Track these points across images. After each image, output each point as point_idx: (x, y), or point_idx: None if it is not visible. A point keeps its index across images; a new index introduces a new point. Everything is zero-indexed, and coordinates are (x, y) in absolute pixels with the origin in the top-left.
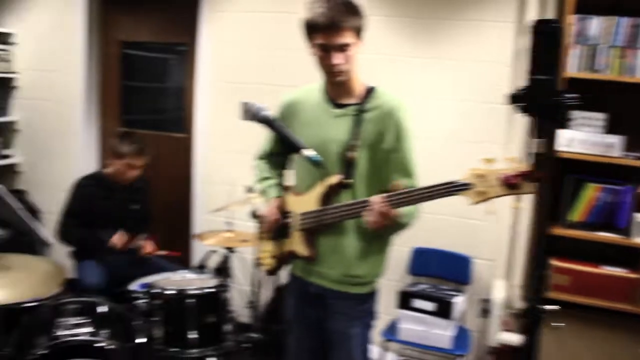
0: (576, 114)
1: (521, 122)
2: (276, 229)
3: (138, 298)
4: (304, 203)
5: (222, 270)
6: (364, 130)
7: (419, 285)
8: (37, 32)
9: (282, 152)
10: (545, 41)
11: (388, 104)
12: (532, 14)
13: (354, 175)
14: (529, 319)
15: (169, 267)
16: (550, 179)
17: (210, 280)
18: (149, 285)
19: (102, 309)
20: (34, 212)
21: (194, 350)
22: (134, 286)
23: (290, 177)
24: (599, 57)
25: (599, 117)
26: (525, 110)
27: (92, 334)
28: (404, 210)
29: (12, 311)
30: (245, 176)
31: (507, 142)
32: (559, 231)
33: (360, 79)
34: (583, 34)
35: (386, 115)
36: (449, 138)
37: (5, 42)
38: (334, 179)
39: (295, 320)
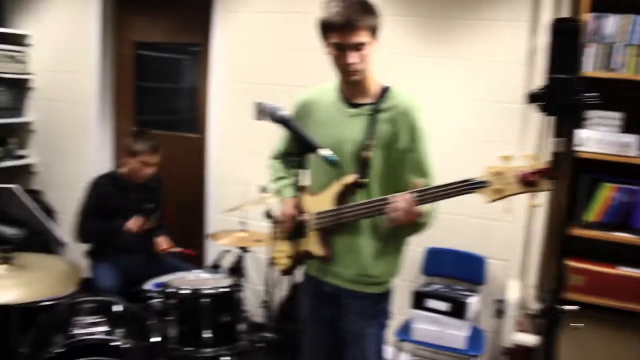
0: (592, 113)
1: (535, 122)
2: (292, 228)
3: (153, 297)
4: (319, 203)
5: (236, 270)
6: (379, 130)
7: (433, 286)
8: (53, 34)
9: (296, 151)
10: (565, 40)
11: (403, 103)
12: (547, 13)
13: (369, 174)
14: (547, 320)
15: (183, 267)
16: (568, 179)
17: (225, 279)
18: (163, 285)
19: (118, 308)
20: (49, 211)
21: (208, 350)
22: (149, 286)
23: (305, 177)
24: (615, 55)
25: (615, 117)
26: (544, 109)
27: (107, 332)
28: (423, 208)
29: (29, 310)
30: (259, 176)
31: (521, 142)
32: (575, 231)
33: (375, 79)
34: (599, 33)
35: (401, 115)
36: (462, 138)
37: (21, 44)
38: (350, 178)
39: (310, 319)
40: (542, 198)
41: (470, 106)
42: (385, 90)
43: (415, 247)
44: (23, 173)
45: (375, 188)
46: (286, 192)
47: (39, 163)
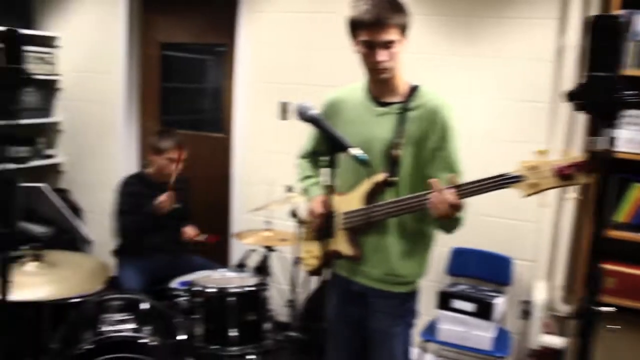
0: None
1: (563, 121)
2: (320, 226)
3: (179, 296)
4: (347, 202)
5: (262, 269)
6: (408, 128)
7: (459, 286)
8: (80, 35)
9: (325, 151)
10: (605, 37)
11: (432, 102)
12: (576, 10)
13: (399, 173)
14: (582, 321)
15: (208, 266)
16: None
17: (250, 278)
18: (189, 283)
19: (145, 306)
20: (76, 210)
21: (234, 348)
22: (175, 284)
23: (334, 176)
24: None
25: None
26: (582, 108)
27: (135, 330)
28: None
29: (59, 306)
30: (284, 176)
31: (549, 142)
32: (604, 232)
33: (404, 78)
34: (631, 30)
35: (430, 114)
36: (488, 137)
37: (50, 46)
38: (380, 176)
39: (337, 319)
40: (573, 195)
41: (497, 105)
42: (414, 89)
43: (441, 247)
44: (51, 172)
45: (405, 187)
46: (314, 190)
47: (67, 162)
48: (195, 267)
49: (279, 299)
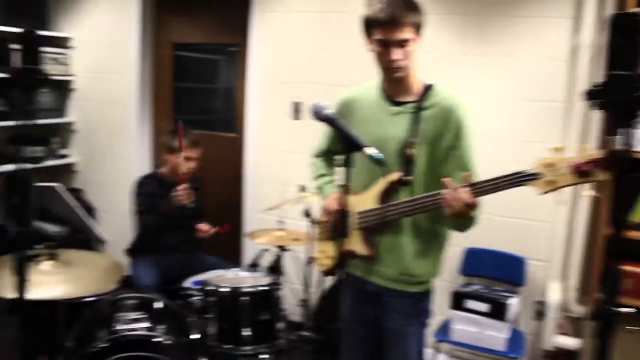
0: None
1: (577, 120)
2: (336, 224)
3: (192, 295)
4: (362, 202)
5: (275, 268)
6: (423, 127)
7: (472, 286)
8: (94, 36)
9: (339, 150)
10: (625, 35)
11: (447, 101)
12: (591, 9)
13: (413, 172)
14: (601, 322)
15: (221, 265)
16: (617, 178)
17: (264, 278)
18: (202, 283)
19: (158, 305)
20: (89, 210)
21: (248, 348)
22: (188, 283)
23: (349, 175)
24: None
25: None
26: (602, 107)
27: (149, 329)
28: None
29: (74, 305)
30: (296, 175)
31: (563, 141)
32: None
33: (418, 77)
34: None
35: (445, 113)
36: (502, 137)
37: (63, 46)
38: (395, 175)
39: (351, 318)
40: (585, 199)
41: (510, 105)
42: (428, 88)
43: (454, 247)
44: (65, 172)
45: (419, 186)
46: (328, 189)
47: (80, 162)
48: (208, 267)
49: (292, 298)
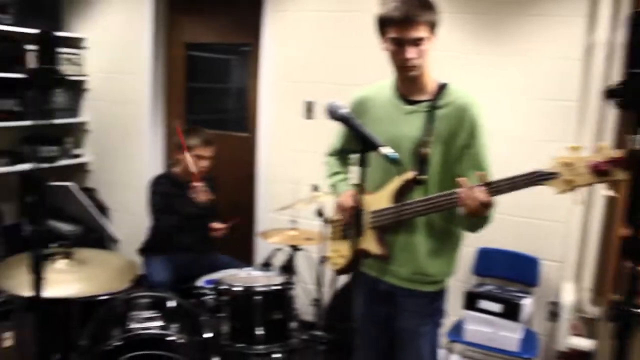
0: None
1: (592, 120)
2: (350, 221)
3: (205, 294)
4: (375, 201)
5: (287, 268)
6: (437, 126)
7: (485, 286)
8: (107, 37)
9: (354, 149)
10: None
11: (461, 100)
12: (606, 7)
13: (427, 171)
14: (619, 323)
15: (234, 264)
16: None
17: (276, 277)
18: (215, 282)
19: (172, 304)
20: (102, 209)
21: (260, 347)
22: (201, 282)
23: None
24: None
25: None
26: (621, 105)
27: (162, 327)
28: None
29: (88, 304)
30: (309, 175)
31: (578, 140)
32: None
33: (432, 75)
34: None
35: (459, 112)
36: (515, 136)
37: (77, 47)
38: (409, 175)
39: (364, 318)
40: (600, 199)
41: (524, 104)
42: (442, 87)
43: (467, 247)
44: (78, 171)
45: (433, 185)
46: (342, 186)
47: (93, 162)
48: (221, 266)
49: (304, 298)
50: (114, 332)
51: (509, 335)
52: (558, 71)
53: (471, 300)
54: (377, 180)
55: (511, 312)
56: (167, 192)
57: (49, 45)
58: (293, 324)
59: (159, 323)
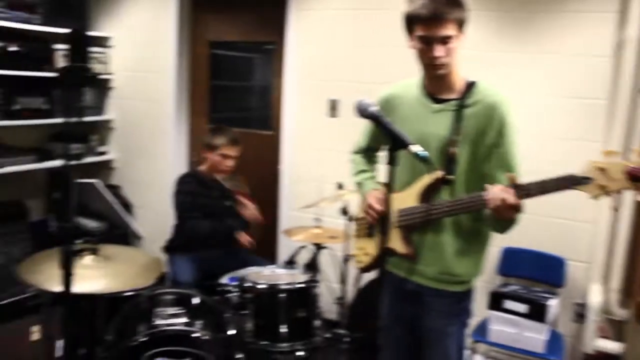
0: None
1: (621, 118)
2: (378, 222)
3: (229, 291)
4: (402, 200)
5: (311, 266)
6: (465, 125)
7: (510, 286)
8: (132, 35)
9: (379, 147)
10: None
11: (490, 98)
12: (638, 2)
13: (455, 171)
14: None
15: (258, 262)
16: None
17: (301, 275)
18: (239, 279)
19: (196, 300)
20: (126, 206)
21: (284, 344)
22: (225, 279)
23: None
24: None
25: None
26: None
27: (187, 324)
28: None
29: (113, 299)
30: (333, 173)
31: (606, 140)
32: None
33: (460, 74)
34: None
35: (488, 110)
36: (542, 135)
37: (103, 45)
38: (437, 174)
39: (390, 317)
40: (627, 200)
41: (551, 102)
42: (470, 85)
43: (491, 247)
44: (103, 168)
45: (460, 185)
46: (368, 184)
47: (118, 159)
48: (245, 263)
49: (328, 296)
50: (139, 328)
51: (534, 337)
52: (587, 69)
53: (496, 300)
54: (404, 179)
55: (537, 312)
56: (192, 190)
57: (80, 44)
58: (317, 322)
59: (184, 320)
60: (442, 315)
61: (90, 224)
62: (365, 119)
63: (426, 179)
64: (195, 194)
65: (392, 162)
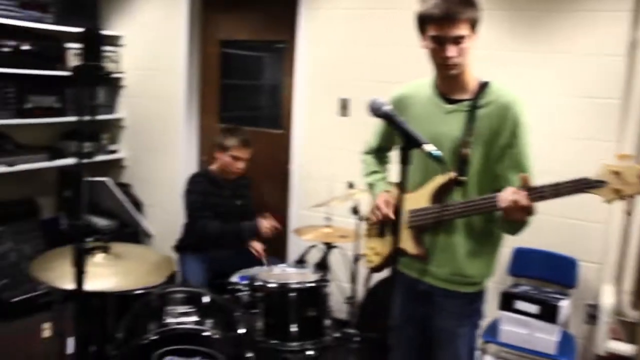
0: None
1: (635, 119)
2: (388, 222)
3: (240, 290)
4: (414, 200)
5: (322, 265)
6: (478, 126)
7: (521, 287)
8: (143, 34)
9: (390, 147)
10: None
11: (504, 98)
12: None
13: (467, 172)
14: None
15: (268, 261)
16: None
17: (311, 274)
18: (249, 278)
19: (206, 299)
20: (137, 204)
21: (294, 343)
22: (235, 278)
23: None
24: None
25: None
26: None
27: (197, 322)
28: None
29: (123, 297)
30: (344, 172)
31: (619, 140)
32: None
33: (474, 74)
34: None
35: (502, 110)
36: (555, 135)
37: (114, 44)
38: (450, 175)
39: (401, 317)
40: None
41: (563, 102)
42: (484, 86)
43: (502, 247)
44: (114, 167)
45: (473, 185)
46: (380, 186)
47: (129, 157)
48: (255, 262)
49: (338, 295)
50: (149, 326)
51: (546, 338)
52: (600, 68)
53: (507, 301)
54: (416, 180)
55: (548, 313)
56: (203, 190)
57: (94, 43)
58: (327, 322)
59: (194, 318)
60: (453, 316)
61: (100, 222)
62: (378, 118)
63: (439, 180)
64: (206, 193)
65: (405, 161)
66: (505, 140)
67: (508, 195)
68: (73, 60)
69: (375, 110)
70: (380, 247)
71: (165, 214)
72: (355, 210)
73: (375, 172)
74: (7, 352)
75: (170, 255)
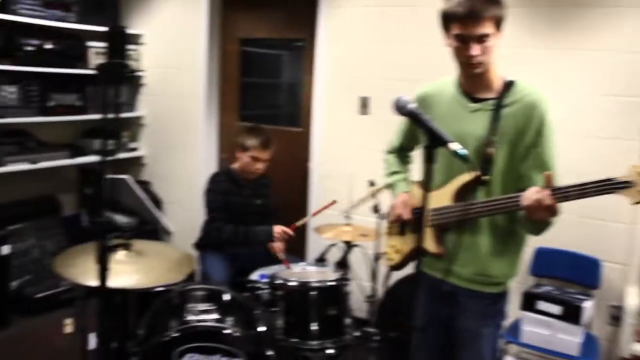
0: None
1: None
2: (410, 221)
3: (260, 288)
4: (436, 199)
5: (342, 263)
6: (503, 125)
7: (543, 287)
8: (163, 33)
9: (412, 147)
10: None
11: (529, 97)
12: None
13: (491, 171)
14: None
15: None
16: None
17: (332, 273)
18: (270, 276)
19: (227, 297)
20: (156, 202)
21: (314, 342)
22: (255, 276)
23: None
24: None
25: None
26: None
27: (218, 320)
28: None
29: (144, 294)
30: (364, 170)
31: None
32: None
33: (498, 72)
34: None
35: (527, 109)
36: (580, 134)
37: (134, 43)
38: (472, 174)
39: (425, 318)
40: None
41: (587, 100)
42: (509, 84)
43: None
44: (134, 164)
45: (497, 185)
46: (401, 186)
47: (148, 155)
48: (276, 260)
49: (358, 294)
50: (170, 324)
51: (569, 339)
52: (624, 66)
53: (529, 301)
54: (439, 179)
55: (571, 314)
56: (224, 189)
57: (120, 41)
58: (347, 320)
59: (215, 316)
60: (477, 317)
61: (121, 219)
62: (403, 117)
63: (463, 178)
64: (226, 192)
65: (430, 160)
66: (530, 139)
67: (531, 194)
68: (95, 59)
69: (400, 109)
70: (400, 245)
71: (185, 211)
72: (375, 209)
73: (396, 172)
74: (30, 347)
75: (190, 253)
